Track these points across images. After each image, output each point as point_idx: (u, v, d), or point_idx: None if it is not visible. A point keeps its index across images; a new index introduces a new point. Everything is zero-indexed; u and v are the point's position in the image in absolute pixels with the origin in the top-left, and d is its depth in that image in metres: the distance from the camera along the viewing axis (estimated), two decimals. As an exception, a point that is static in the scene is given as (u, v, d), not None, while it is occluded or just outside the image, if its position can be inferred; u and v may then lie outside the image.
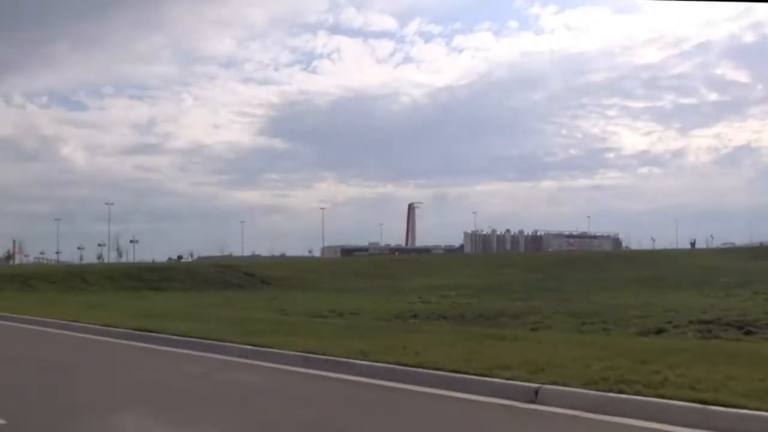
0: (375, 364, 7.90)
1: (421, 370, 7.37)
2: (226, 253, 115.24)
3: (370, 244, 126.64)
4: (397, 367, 7.65)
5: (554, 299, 35.63)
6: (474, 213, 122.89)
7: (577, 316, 25.00)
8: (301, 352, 8.76)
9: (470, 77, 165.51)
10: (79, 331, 12.81)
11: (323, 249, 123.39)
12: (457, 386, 6.88)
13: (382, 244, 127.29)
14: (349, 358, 8.29)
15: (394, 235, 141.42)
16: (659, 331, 20.21)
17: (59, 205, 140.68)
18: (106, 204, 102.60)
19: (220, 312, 25.98)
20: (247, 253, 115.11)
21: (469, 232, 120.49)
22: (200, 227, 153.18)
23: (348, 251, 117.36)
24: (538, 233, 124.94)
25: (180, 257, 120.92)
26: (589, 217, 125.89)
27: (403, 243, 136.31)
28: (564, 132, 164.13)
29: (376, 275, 59.52)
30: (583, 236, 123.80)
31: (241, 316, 16.79)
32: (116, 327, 12.35)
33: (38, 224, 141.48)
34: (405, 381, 7.33)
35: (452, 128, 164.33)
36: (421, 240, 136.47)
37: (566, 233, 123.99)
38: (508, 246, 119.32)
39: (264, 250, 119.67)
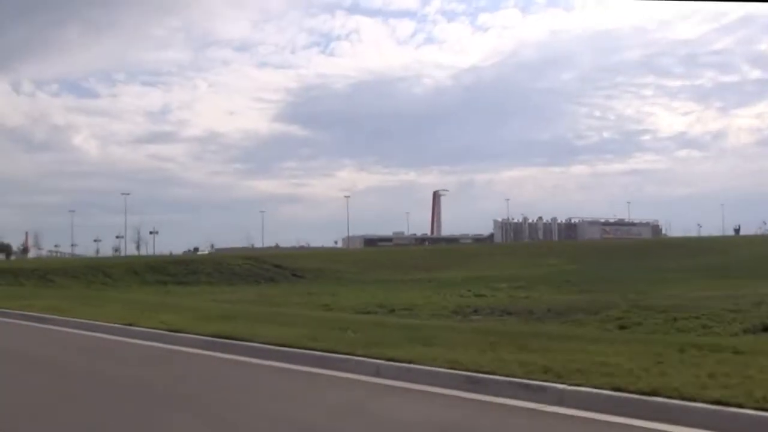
0: (583, 389, 6.05)
1: (677, 402, 5.49)
2: (249, 244, 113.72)
3: (394, 233, 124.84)
4: (627, 395, 5.78)
5: (619, 291, 33.64)
6: (507, 199, 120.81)
7: (662, 311, 23.01)
8: (463, 370, 6.92)
9: (496, 57, 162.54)
10: (143, 337, 11.07)
11: (345, 239, 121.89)
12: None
13: (408, 233, 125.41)
14: (534, 379, 6.45)
15: (417, 224, 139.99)
16: (767, 329, 18.21)
17: (71, 196, 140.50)
18: (122, 194, 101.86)
19: (272, 309, 24.34)
20: (268, 244, 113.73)
21: (500, 220, 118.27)
22: (217, 218, 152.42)
23: (371, 241, 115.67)
24: (573, 221, 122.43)
25: (196, 249, 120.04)
26: (629, 202, 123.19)
27: (428, 232, 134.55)
28: (596, 113, 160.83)
29: (411, 266, 57.80)
30: (620, 224, 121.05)
31: (320, 316, 15.04)
32: (188, 333, 10.61)
33: (50, 216, 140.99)
34: (644, 416, 5.48)
35: (478, 111, 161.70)
36: (447, 229, 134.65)
37: (602, 220, 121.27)
38: (541, 235, 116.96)
39: (283, 240, 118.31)
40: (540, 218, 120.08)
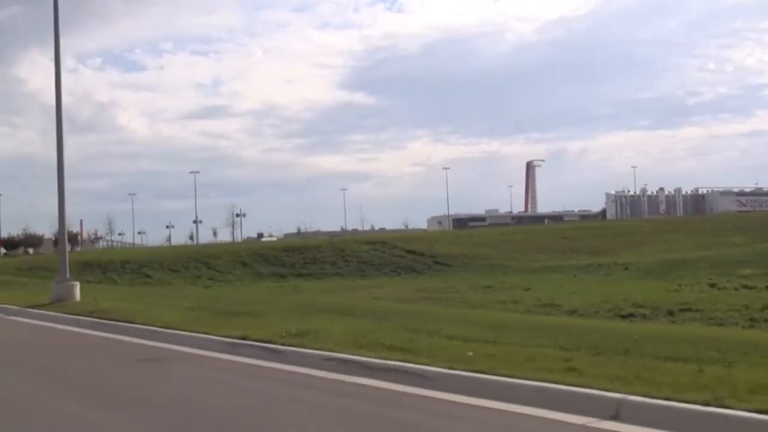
0: None
1: None
2: (339, 227, 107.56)
3: (486, 212, 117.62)
4: None
5: None
6: (634, 167, 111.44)
7: None
8: None
9: (589, 5, 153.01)
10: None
11: (431, 219, 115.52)
12: None
13: (503, 211, 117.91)
14: None
15: (505, 199, 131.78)
16: None
17: (118, 179, 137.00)
18: (191, 173, 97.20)
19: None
20: (350, 227, 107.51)
21: (613, 192, 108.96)
22: (278, 199, 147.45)
23: (461, 221, 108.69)
24: (700, 191, 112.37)
25: (260, 235, 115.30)
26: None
27: (522, 209, 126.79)
28: (711, 66, 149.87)
29: (566, 249, 50.47)
30: (758, 193, 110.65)
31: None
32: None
33: (97, 202, 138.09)
34: None
35: (569, 69, 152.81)
36: (540, 205, 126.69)
37: (735, 190, 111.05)
38: (663, 208, 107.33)
39: (351, 223, 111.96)
40: (661, 189, 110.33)
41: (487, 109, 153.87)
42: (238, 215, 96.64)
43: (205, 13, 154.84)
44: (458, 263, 43.77)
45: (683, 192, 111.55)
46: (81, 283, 38.12)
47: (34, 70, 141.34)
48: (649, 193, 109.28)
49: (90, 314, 13.01)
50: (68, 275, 16.12)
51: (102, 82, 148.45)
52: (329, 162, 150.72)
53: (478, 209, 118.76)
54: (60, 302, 15.26)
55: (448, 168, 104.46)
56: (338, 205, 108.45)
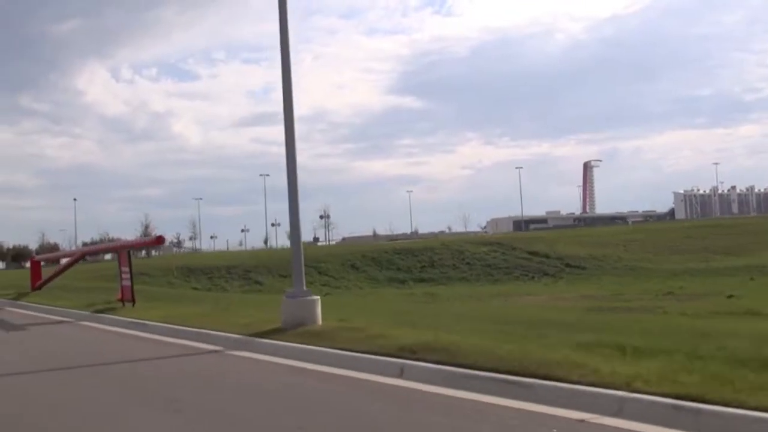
0: None
1: None
2: (413, 230, 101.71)
3: (547, 213, 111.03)
4: None
5: None
6: (716, 164, 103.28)
7: None
8: None
9: (642, 2, 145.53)
10: None
11: (489, 222, 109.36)
12: None
13: (564, 212, 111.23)
14: None
15: (557, 201, 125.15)
16: None
17: (174, 187, 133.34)
18: (261, 175, 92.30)
19: None
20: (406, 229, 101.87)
21: (682, 192, 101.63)
22: (329, 204, 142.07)
23: (522, 224, 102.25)
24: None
25: (316, 239, 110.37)
26: None
27: (579, 210, 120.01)
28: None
29: (699, 249, 44.23)
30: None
31: None
32: None
33: (154, 209, 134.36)
34: None
35: (622, 68, 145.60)
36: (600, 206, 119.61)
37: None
38: (735, 208, 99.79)
39: (404, 226, 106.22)
40: (733, 188, 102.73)
41: (537, 110, 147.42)
42: (322, 216, 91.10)
43: (257, 22, 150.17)
44: (591, 265, 37.99)
45: (756, 190, 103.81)
46: (187, 289, 31.38)
47: (92, 82, 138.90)
48: (721, 192, 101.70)
49: (397, 352, 7.25)
50: (305, 287, 10.68)
51: (157, 91, 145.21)
52: (378, 166, 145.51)
53: (533, 211, 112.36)
54: (302, 326, 9.81)
55: (521, 167, 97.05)
56: (386, 207, 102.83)
